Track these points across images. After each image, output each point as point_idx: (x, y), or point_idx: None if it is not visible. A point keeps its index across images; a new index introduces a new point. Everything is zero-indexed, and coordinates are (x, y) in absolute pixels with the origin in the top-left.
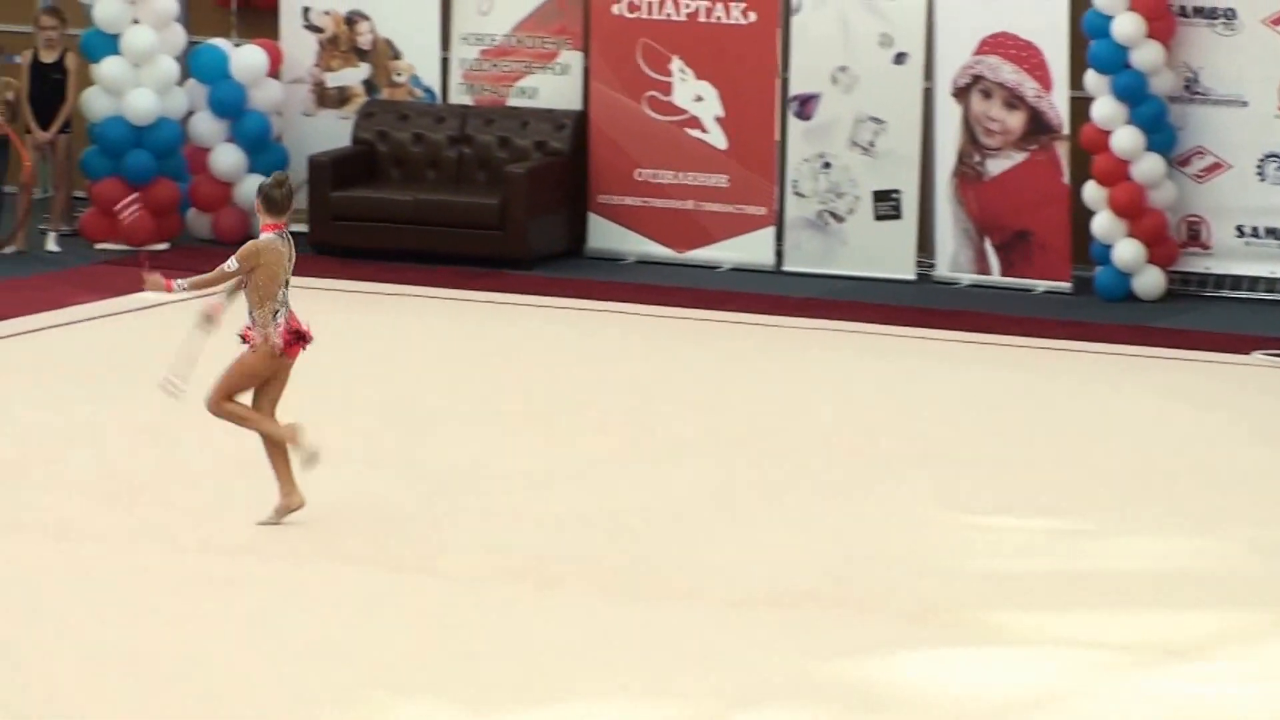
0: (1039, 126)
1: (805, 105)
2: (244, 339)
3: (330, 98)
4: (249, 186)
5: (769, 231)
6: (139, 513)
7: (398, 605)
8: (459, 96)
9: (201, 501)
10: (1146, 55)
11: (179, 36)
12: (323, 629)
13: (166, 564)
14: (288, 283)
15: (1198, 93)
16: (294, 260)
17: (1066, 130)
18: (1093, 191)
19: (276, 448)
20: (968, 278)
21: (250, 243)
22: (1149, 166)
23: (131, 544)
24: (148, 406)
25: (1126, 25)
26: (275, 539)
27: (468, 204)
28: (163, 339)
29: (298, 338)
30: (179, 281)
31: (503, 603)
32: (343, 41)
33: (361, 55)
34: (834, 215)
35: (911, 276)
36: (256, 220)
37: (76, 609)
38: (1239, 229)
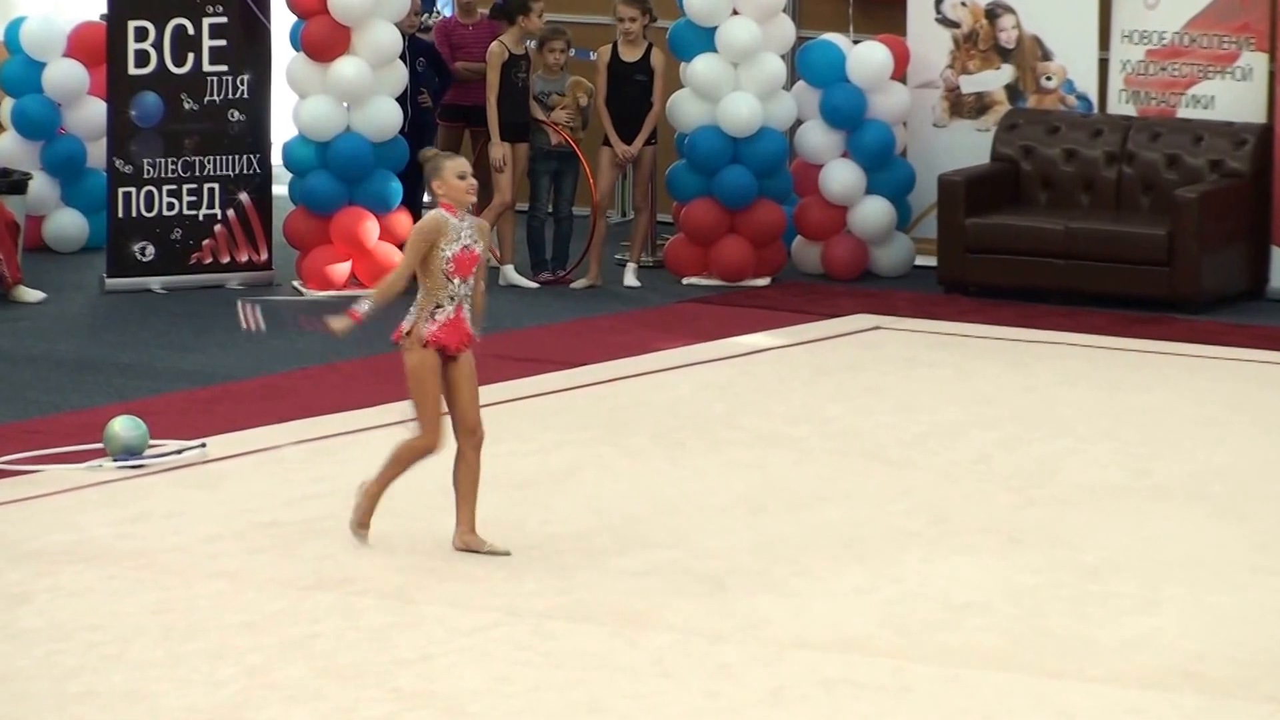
0: None
1: None
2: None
3: (966, 105)
4: (866, 211)
5: None
6: (724, 600)
7: (1032, 714)
8: (1119, 105)
9: (842, 587)
10: None
11: (786, 31)
12: None
13: (756, 661)
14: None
15: None
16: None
17: None
18: None
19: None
20: None
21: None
22: None
23: (714, 637)
24: (740, 472)
25: None
26: (879, 633)
27: (1129, 234)
28: (763, 388)
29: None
30: (361, 305)
31: (1166, 712)
32: (982, 39)
33: (1004, 55)
34: None
35: None
36: (874, 251)
37: (641, 708)
38: None
